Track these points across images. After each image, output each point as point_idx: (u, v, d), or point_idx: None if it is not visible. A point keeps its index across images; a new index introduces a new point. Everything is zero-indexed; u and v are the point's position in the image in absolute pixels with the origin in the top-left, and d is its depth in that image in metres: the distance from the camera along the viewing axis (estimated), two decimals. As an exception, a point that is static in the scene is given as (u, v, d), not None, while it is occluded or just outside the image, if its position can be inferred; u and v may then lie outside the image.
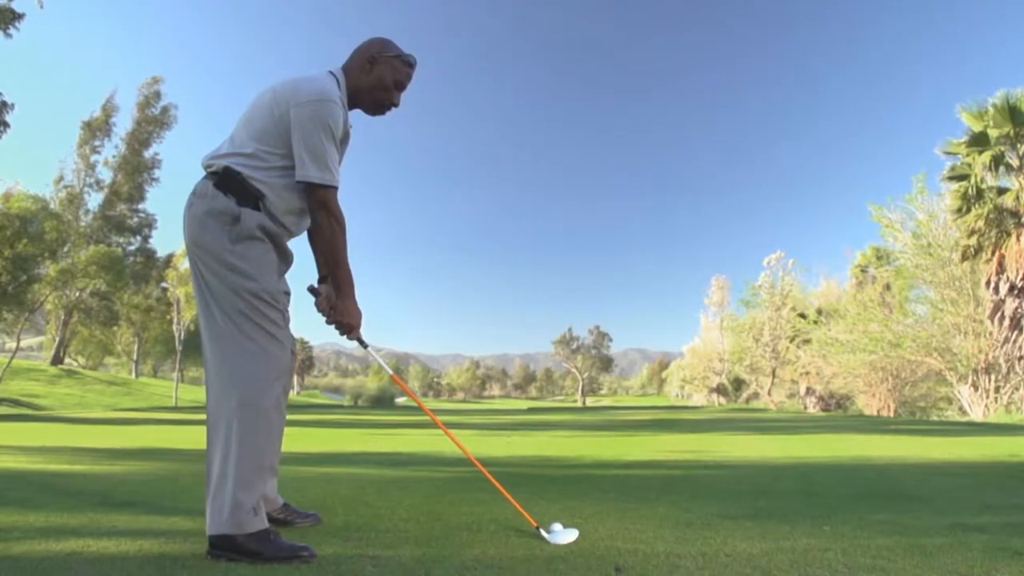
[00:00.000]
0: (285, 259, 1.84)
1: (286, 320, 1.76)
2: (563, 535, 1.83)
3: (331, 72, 1.84)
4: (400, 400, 43.46)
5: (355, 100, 1.91)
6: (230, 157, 1.73)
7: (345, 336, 1.88)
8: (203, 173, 1.76)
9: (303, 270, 2.07)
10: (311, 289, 1.91)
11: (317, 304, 1.89)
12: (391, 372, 2.16)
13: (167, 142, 38.15)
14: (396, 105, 1.95)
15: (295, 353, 1.81)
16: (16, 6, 13.35)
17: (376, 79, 1.88)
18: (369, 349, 2.06)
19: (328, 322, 1.87)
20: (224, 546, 1.55)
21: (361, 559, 1.56)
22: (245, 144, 1.73)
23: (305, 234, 1.93)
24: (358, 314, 1.87)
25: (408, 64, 1.93)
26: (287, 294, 1.80)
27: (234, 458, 1.58)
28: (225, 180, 1.70)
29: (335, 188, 1.75)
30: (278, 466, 1.98)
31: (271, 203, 1.72)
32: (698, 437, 8.03)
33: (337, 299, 1.86)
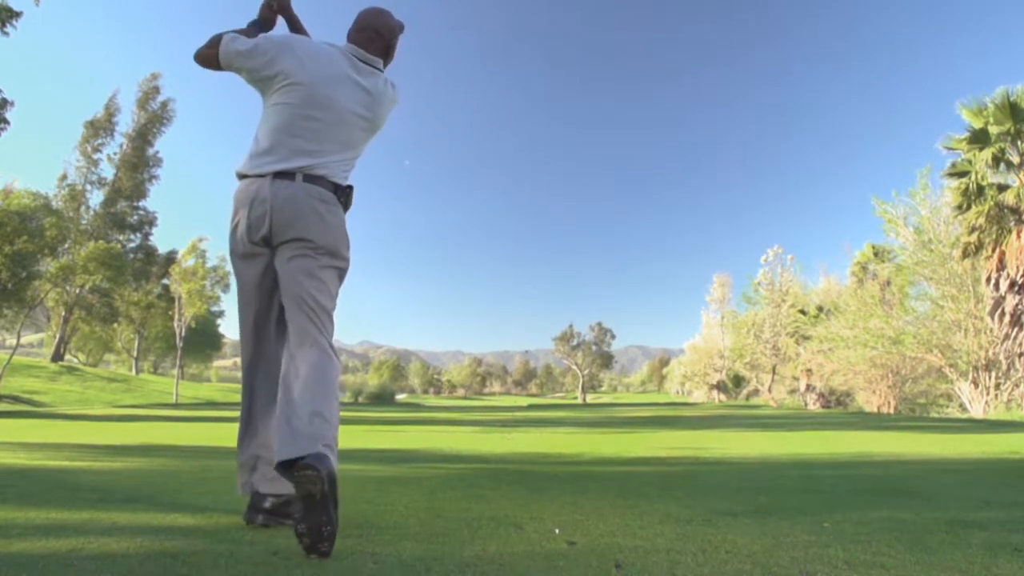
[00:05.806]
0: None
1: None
2: None
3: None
4: (400, 397, 43.53)
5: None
6: None
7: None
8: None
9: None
10: None
11: None
12: None
13: (169, 142, 38.23)
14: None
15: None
16: (14, 4, 13.26)
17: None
18: None
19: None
20: (314, 466, 1.50)
21: (361, 555, 1.56)
22: None
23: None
24: None
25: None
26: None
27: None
28: None
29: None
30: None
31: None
32: (698, 434, 8.04)
33: None
